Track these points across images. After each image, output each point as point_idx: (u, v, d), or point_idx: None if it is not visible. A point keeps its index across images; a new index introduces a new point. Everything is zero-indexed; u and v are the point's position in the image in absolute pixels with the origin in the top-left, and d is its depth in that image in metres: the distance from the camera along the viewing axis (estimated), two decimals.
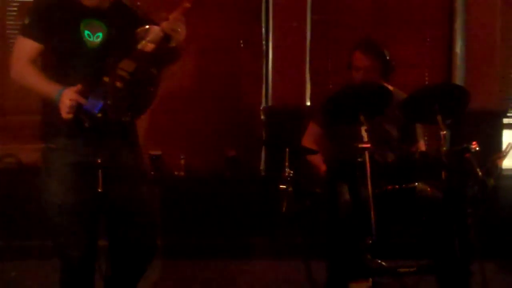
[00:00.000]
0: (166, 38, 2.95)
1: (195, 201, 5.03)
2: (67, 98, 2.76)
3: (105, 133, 2.76)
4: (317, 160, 3.95)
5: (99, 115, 2.77)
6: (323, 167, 3.89)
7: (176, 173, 5.23)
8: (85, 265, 3.03)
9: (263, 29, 5.41)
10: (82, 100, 2.76)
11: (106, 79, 2.81)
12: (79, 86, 2.78)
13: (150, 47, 2.91)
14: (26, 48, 2.95)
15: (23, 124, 5.13)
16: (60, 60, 2.95)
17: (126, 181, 3.02)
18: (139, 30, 2.94)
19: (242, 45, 5.43)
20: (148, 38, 2.93)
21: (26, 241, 4.72)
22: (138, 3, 4.80)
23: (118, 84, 2.79)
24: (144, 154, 5.03)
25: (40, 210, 3.03)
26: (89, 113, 2.76)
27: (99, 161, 2.51)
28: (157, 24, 2.97)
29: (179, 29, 2.95)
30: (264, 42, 5.41)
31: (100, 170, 2.49)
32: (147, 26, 2.95)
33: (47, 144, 3.02)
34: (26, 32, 2.95)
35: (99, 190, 2.49)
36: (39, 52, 2.96)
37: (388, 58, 3.91)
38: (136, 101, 2.87)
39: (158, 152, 5.19)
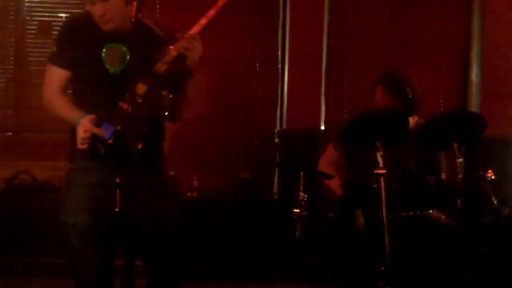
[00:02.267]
0: (180, 57, 2.93)
1: (207, 222, 5.01)
2: (82, 129, 2.82)
3: (122, 157, 2.71)
4: (333, 184, 3.94)
5: (110, 141, 2.78)
6: (338, 192, 3.87)
7: (188, 194, 5.22)
8: (99, 285, 3.02)
9: (279, 52, 5.44)
10: (96, 131, 2.80)
11: (121, 104, 2.82)
12: (93, 116, 2.82)
13: (162, 67, 2.90)
14: (55, 75, 3.04)
15: (38, 142, 5.17)
16: (86, 86, 3.03)
17: (148, 201, 3.00)
18: (157, 53, 2.94)
19: (258, 67, 5.46)
20: (163, 60, 2.92)
21: (39, 258, 4.73)
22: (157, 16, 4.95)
23: (129, 108, 2.71)
24: None
25: (54, 227, 3.04)
26: (102, 140, 2.78)
27: (118, 180, 2.51)
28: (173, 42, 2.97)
29: (192, 47, 2.94)
30: (280, 65, 5.43)
31: (118, 190, 2.49)
32: (167, 47, 2.94)
33: (70, 165, 3.08)
34: (54, 60, 3.05)
35: (117, 210, 2.49)
36: (68, 79, 3.04)
37: (410, 96, 3.84)
38: (149, 126, 2.83)
39: (172, 173, 5.19)
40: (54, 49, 3.06)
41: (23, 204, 4.82)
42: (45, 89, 3.06)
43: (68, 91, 3.11)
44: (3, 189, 4.93)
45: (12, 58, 5.28)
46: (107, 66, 3.00)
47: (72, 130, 2.97)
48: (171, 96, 2.91)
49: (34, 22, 5.28)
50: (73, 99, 3.04)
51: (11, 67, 5.29)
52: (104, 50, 3.00)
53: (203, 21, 2.99)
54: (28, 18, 5.27)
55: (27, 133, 5.25)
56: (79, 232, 2.93)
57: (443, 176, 4.01)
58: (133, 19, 2.66)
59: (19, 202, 4.83)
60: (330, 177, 3.87)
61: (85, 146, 2.81)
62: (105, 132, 2.78)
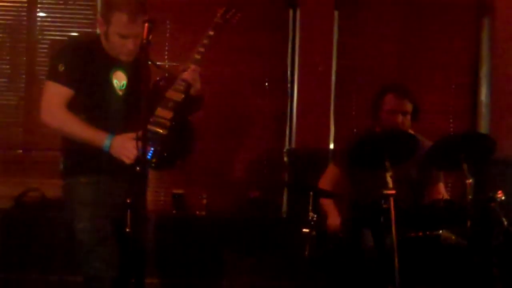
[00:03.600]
0: (188, 86, 3.26)
1: (216, 241, 5.01)
2: (132, 145, 2.94)
3: (138, 175, 2.88)
4: (330, 207, 3.95)
5: (154, 160, 3.01)
6: (332, 220, 3.88)
7: (197, 212, 5.21)
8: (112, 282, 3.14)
9: (289, 71, 5.45)
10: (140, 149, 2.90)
11: (152, 127, 3.03)
12: (133, 135, 2.93)
13: (179, 96, 3.20)
14: (60, 93, 3.14)
15: (48, 160, 5.18)
16: (92, 104, 3.18)
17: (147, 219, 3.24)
18: (159, 78, 3.30)
19: (267, 86, 5.47)
20: (173, 87, 3.23)
21: (48, 276, 4.74)
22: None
23: (162, 131, 3.05)
24: (166, 192, 5.16)
25: (63, 245, 3.17)
26: (141, 159, 2.87)
27: (129, 201, 2.60)
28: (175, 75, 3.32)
29: (196, 78, 3.29)
30: (289, 84, 5.45)
31: (129, 210, 2.56)
32: (166, 75, 3.32)
33: (77, 179, 3.21)
34: (61, 79, 3.14)
35: (127, 230, 2.55)
36: (70, 98, 3.16)
37: (417, 100, 3.98)
38: (182, 145, 3.17)
39: (181, 191, 5.20)
40: (61, 69, 3.13)
41: (32, 221, 4.82)
42: (53, 108, 3.14)
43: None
44: (12, 206, 4.94)
45: (24, 76, 5.32)
46: (115, 87, 3.22)
47: (74, 144, 3.16)
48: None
49: (46, 41, 5.32)
50: (84, 119, 3.15)
51: (23, 85, 5.31)
52: (111, 73, 3.21)
53: (197, 56, 3.35)
54: (40, 37, 5.31)
55: (37, 151, 5.26)
56: (99, 238, 3.13)
57: (441, 187, 4.05)
58: (144, 40, 2.78)
59: (28, 220, 4.83)
60: (337, 196, 3.88)
61: (132, 162, 2.98)
62: (143, 151, 2.90)
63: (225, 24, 3.58)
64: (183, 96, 3.21)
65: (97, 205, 3.16)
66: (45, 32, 5.32)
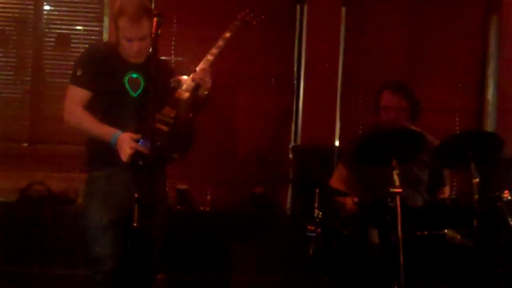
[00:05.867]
0: (196, 87, 3.41)
1: (219, 237, 5.01)
2: (127, 145, 3.21)
3: (149, 169, 3.11)
4: (346, 201, 3.94)
5: (152, 155, 3.08)
6: (349, 204, 3.87)
7: (202, 208, 5.21)
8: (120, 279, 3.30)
9: (295, 68, 5.44)
10: (139, 148, 3.20)
11: (153, 124, 3.13)
12: (136, 136, 3.23)
13: (185, 95, 3.38)
14: (79, 96, 3.43)
15: (53, 153, 5.19)
16: (107, 105, 3.42)
17: (155, 213, 3.21)
18: (172, 80, 3.43)
19: (273, 83, 5.46)
20: (182, 88, 3.41)
21: (52, 269, 4.74)
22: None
23: (164, 128, 3.23)
24: (170, 187, 5.16)
25: (68, 238, 3.24)
26: (143, 154, 3.17)
27: (137, 195, 2.70)
28: (186, 75, 3.45)
29: (206, 79, 3.42)
30: (295, 81, 5.44)
31: (136, 205, 2.65)
32: (178, 77, 3.45)
33: (92, 173, 3.48)
34: (80, 82, 3.43)
35: (135, 225, 2.62)
36: (88, 99, 3.44)
37: (416, 98, 3.94)
38: (181, 142, 3.33)
39: (185, 186, 5.20)
40: (79, 73, 3.41)
41: (37, 215, 4.83)
42: (71, 108, 3.43)
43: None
44: (17, 199, 4.95)
45: (30, 70, 5.31)
46: (128, 91, 3.43)
47: (93, 142, 3.43)
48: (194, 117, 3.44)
49: (52, 35, 5.31)
50: (100, 118, 3.39)
51: (29, 78, 5.31)
52: (126, 78, 3.43)
53: (214, 51, 3.53)
54: (46, 30, 5.30)
55: (42, 144, 5.26)
56: (103, 226, 3.35)
57: (446, 190, 4.05)
58: (153, 35, 2.91)
59: (33, 213, 4.83)
60: (344, 194, 3.87)
61: (130, 160, 3.19)
62: (145, 147, 3.16)
63: (243, 26, 3.80)
64: (188, 94, 3.38)
65: (106, 197, 3.39)
66: (52, 26, 5.31)
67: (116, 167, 3.33)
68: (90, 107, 3.44)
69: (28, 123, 5.29)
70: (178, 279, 4.84)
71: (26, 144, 5.31)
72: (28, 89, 5.31)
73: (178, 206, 5.11)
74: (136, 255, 3.16)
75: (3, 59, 5.32)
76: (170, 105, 3.34)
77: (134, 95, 3.45)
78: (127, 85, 3.44)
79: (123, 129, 3.32)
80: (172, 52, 5.28)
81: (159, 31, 2.90)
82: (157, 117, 3.22)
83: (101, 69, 3.42)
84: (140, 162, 3.18)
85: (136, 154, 3.20)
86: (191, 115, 3.41)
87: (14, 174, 5.10)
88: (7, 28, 5.31)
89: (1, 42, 5.30)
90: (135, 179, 3.13)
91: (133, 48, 3.37)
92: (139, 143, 3.22)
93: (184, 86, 3.42)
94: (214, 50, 3.54)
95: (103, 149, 3.36)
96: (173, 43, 5.29)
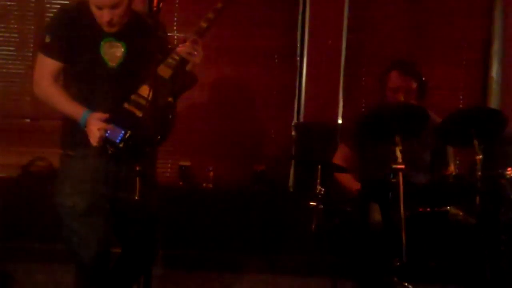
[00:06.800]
0: (182, 61, 2.99)
1: (222, 214, 5.01)
2: (96, 127, 2.85)
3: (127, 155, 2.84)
4: (347, 179, 3.93)
5: (121, 145, 2.85)
6: (354, 186, 3.86)
7: (204, 184, 5.22)
8: (98, 268, 3.07)
9: (298, 45, 5.41)
10: (108, 128, 2.85)
11: (126, 105, 2.88)
12: (104, 115, 2.86)
13: (167, 72, 2.95)
14: (48, 67, 2.99)
15: (55, 129, 5.15)
16: (81, 79, 3.01)
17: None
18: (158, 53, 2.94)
19: (276, 60, 5.43)
20: (165, 62, 2.97)
21: (56, 244, 4.74)
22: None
23: (138, 113, 2.86)
24: (173, 164, 5.16)
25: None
26: (111, 142, 2.84)
27: (138, 168, 2.56)
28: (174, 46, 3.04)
29: (195, 52, 2.99)
30: (298, 58, 5.41)
31: (138, 178, 2.53)
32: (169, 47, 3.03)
33: (66, 151, 3.08)
34: (48, 51, 2.99)
35: (136, 198, 2.52)
36: (60, 70, 3.02)
37: (424, 78, 3.91)
38: (156, 130, 2.81)
39: (187, 163, 5.20)
40: (47, 40, 2.99)
41: (39, 190, 4.83)
42: (38, 80, 3.02)
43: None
44: (19, 175, 4.95)
45: (31, 45, 5.28)
46: (105, 60, 2.99)
47: (66, 119, 3.04)
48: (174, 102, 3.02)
49: (54, 10, 5.26)
50: (70, 93, 3.01)
51: (30, 54, 5.28)
52: (101, 44, 2.98)
53: (203, 24, 3.05)
54: (48, 5, 5.27)
55: (44, 120, 5.25)
56: (77, 214, 2.99)
57: (451, 168, 4.03)
58: (155, 8, 2.64)
59: (35, 189, 4.83)
60: (346, 170, 3.86)
61: (100, 144, 2.85)
62: (115, 134, 2.84)
63: None
64: (171, 72, 2.96)
65: (79, 181, 2.99)
66: (53, 0, 5.28)
67: (93, 147, 2.91)
68: (65, 79, 3.04)
69: (30, 99, 5.27)
70: (178, 255, 4.85)
71: (28, 120, 5.31)
72: (30, 64, 5.28)
73: (180, 183, 5.11)
74: (137, 230, 3.04)
75: (5, 34, 5.30)
76: (148, 84, 2.85)
77: (113, 66, 3.00)
78: (103, 54, 2.98)
79: (98, 107, 2.92)
80: (175, 28, 5.25)
81: (161, 5, 2.63)
82: (132, 98, 2.88)
83: (73, 35, 2.96)
84: (109, 151, 2.85)
85: (105, 141, 2.85)
86: (170, 99, 2.97)
87: (16, 150, 5.11)
88: (8, 3, 5.28)
89: (2, 17, 5.27)
90: (114, 161, 2.89)
91: (104, 17, 2.92)
92: (107, 134, 2.85)
93: (167, 61, 2.97)
94: (204, 24, 3.06)
95: (77, 127, 2.96)
96: (175, 18, 5.25)
